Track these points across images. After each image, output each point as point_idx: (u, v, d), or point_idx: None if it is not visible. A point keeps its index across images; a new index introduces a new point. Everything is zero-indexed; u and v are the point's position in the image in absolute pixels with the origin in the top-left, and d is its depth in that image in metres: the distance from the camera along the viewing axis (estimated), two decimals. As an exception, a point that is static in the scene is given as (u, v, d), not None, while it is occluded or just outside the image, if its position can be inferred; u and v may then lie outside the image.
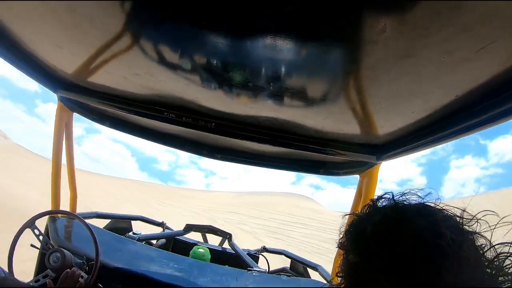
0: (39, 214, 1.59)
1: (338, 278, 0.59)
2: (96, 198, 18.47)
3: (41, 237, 1.57)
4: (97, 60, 1.18)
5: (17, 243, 1.52)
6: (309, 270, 2.49)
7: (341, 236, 0.59)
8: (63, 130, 1.91)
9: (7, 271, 1.46)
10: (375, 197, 0.58)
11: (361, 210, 0.59)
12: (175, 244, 2.56)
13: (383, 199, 0.56)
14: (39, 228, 1.58)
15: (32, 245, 1.55)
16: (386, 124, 1.22)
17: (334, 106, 1.12)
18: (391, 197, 0.56)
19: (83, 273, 1.50)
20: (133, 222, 2.70)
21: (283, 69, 0.96)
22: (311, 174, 2.07)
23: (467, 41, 0.66)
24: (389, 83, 0.89)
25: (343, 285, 0.56)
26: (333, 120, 1.25)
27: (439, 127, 1.06)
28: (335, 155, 1.54)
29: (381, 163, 1.64)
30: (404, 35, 0.68)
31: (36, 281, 1.43)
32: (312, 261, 2.48)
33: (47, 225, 1.89)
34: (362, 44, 0.74)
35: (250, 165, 2.11)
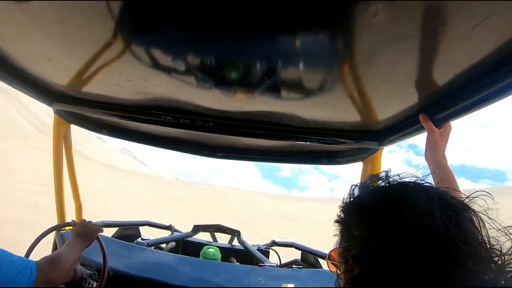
0: (45, 231, 1.59)
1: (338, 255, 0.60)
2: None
3: None
4: (89, 70, 1.17)
5: None
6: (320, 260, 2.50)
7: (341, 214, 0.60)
8: (62, 142, 1.91)
9: None
10: (373, 177, 0.60)
11: (360, 187, 0.60)
12: (184, 246, 2.57)
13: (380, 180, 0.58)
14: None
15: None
16: (386, 108, 1.21)
17: (331, 95, 1.11)
18: (387, 176, 0.58)
19: (93, 282, 1.50)
20: (141, 228, 2.70)
21: (277, 62, 0.94)
22: (314, 165, 2.06)
23: (461, 18, 0.65)
24: (386, 67, 0.88)
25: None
26: (331, 109, 1.24)
27: (439, 107, 1.05)
28: (336, 144, 1.53)
29: (383, 148, 1.63)
30: (397, 18, 0.66)
31: None
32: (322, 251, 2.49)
33: (55, 240, 1.89)
34: (355, 30, 0.72)
35: (252, 161, 2.11)
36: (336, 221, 0.60)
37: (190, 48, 0.93)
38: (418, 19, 0.66)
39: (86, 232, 1.40)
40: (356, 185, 0.60)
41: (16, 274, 0.88)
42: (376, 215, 0.52)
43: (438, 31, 0.70)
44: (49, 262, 1.05)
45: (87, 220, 1.50)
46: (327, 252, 2.36)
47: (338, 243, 0.60)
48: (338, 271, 0.62)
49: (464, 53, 0.78)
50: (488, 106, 0.90)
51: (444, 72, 0.88)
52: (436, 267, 0.44)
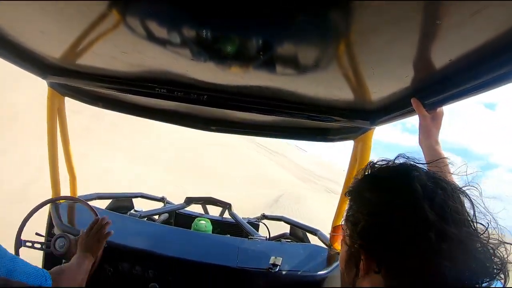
0: (40, 204, 1.60)
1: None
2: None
3: (36, 245, 1.56)
4: (83, 42, 1.15)
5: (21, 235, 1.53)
6: (308, 234, 2.58)
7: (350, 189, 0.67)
8: (56, 115, 1.89)
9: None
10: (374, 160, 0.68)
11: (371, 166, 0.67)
12: (177, 217, 2.63)
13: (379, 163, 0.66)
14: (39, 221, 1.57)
15: (37, 233, 1.57)
16: (379, 89, 1.22)
17: (326, 72, 1.11)
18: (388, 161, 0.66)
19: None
20: (134, 200, 2.74)
21: (272, 37, 0.94)
22: (307, 141, 2.10)
23: (461, 4, 0.64)
24: (381, 48, 0.88)
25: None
26: (325, 86, 1.25)
27: (432, 91, 1.06)
28: (329, 121, 1.55)
29: (374, 128, 1.65)
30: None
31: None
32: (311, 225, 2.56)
33: (49, 214, 1.91)
34: (353, 9, 0.72)
35: (246, 135, 2.13)
36: (347, 192, 0.68)
37: (185, 20, 0.91)
38: (417, 1, 0.65)
39: (92, 243, 1.32)
40: (368, 164, 0.68)
41: None
42: (385, 183, 0.60)
43: (436, 15, 0.69)
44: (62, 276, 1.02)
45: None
46: (316, 228, 2.42)
47: (347, 213, 0.67)
48: (340, 243, 0.71)
49: (461, 40, 0.78)
50: (480, 94, 0.91)
51: (440, 57, 0.88)
52: (436, 226, 0.50)
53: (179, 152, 11.61)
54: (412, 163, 0.62)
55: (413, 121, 1.18)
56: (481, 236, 0.52)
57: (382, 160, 0.66)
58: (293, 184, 17.97)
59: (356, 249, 0.61)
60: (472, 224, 0.53)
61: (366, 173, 0.66)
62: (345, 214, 0.67)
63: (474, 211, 0.55)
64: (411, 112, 1.23)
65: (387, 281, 0.55)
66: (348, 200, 0.67)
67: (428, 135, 1.06)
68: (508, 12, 0.64)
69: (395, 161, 0.64)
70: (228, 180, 11.25)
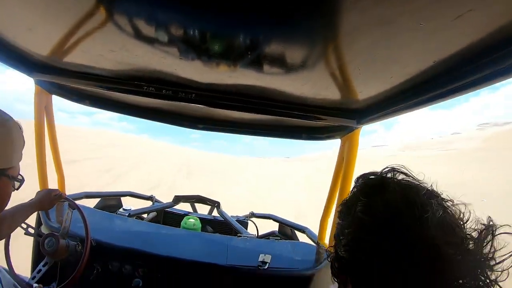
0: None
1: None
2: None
3: (30, 230, 1.56)
4: (71, 40, 1.15)
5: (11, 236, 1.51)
6: (297, 232, 2.61)
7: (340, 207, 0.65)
8: (43, 113, 1.87)
9: (7, 268, 1.49)
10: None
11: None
12: (165, 216, 2.61)
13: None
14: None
15: (26, 233, 1.56)
16: (365, 89, 1.24)
17: (313, 72, 1.13)
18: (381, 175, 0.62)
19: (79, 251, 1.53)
20: (122, 199, 2.72)
21: (260, 37, 0.95)
22: (294, 140, 2.12)
23: (445, 8, 0.66)
24: (367, 49, 0.90)
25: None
26: (312, 86, 1.27)
27: (417, 92, 1.09)
28: (316, 120, 1.57)
29: (361, 127, 1.68)
30: (381, 2, 0.67)
31: (38, 271, 1.46)
32: (299, 223, 2.59)
33: (38, 212, 1.89)
34: (339, 11, 0.74)
35: (233, 133, 2.13)
36: (341, 205, 0.65)
37: (173, 18, 0.92)
38: (403, 4, 0.67)
39: (45, 198, 1.48)
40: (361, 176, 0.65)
41: None
42: (379, 206, 0.56)
43: (421, 18, 0.72)
44: None
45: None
46: (304, 225, 2.44)
47: (337, 225, 0.65)
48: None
49: (444, 42, 0.81)
50: (462, 96, 0.94)
51: (424, 59, 0.91)
52: (417, 233, 0.49)
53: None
54: (405, 181, 0.59)
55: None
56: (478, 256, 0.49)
57: (372, 175, 0.63)
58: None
59: (340, 264, 0.61)
60: (468, 244, 0.50)
61: (357, 189, 0.63)
62: (336, 226, 0.66)
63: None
64: (396, 112, 1.27)
65: None
66: (339, 213, 0.65)
67: None
68: (489, 15, 0.67)
69: (387, 175, 0.61)
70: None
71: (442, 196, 0.55)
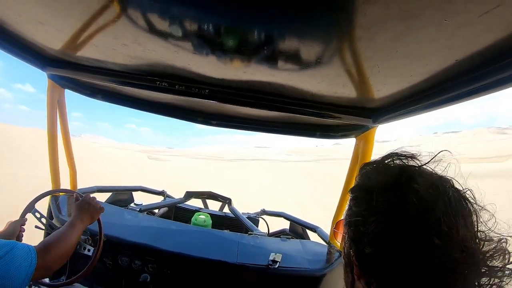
0: (39, 196, 1.60)
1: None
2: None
3: (43, 220, 1.59)
4: (83, 34, 1.14)
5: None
6: (308, 231, 2.58)
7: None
8: (56, 108, 1.89)
9: None
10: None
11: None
12: (176, 212, 2.63)
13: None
14: (40, 211, 1.59)
15: (36, 227, 1.58)
16: (383, 87, 1.20)
17: (329, 69, 1.09)
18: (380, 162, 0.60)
19: (89, 247, 1.54)
20: (134, 193, 2.74)
21: (276, 32, 0.91)
22: (308, 137, 2.08)
23: (471, 3, 0.62)
24: (387, 45, 0.85)
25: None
26: (328, 83, 1.23)
27: (437, 91, 1.05)
28: (331, 118, 1.53)
29: (377, 126, 1.64)
30: None
31: None
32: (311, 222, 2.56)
33: (49, 205, 1.92)
34: (360, 4, 0.70)
35: (246, 130, 2.12)
36: (352, 190, 0.62)
37: (187, 12, 0.89)
38: None
39: (91, 210, 1.35)
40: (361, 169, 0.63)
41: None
42: (376, 196, 0.54)
43: (447, 13, 0.67)
44: (48, 247, 0.99)
45: (79, 187, 1.49)
46: (315, 224, 2.42)
47: (346, 212, 0.62)
48: (342, 240, 0.65)
49: (468, 40, 0.76)
50: (486, 96, 0.90)
51: (446, 56, 0.87)
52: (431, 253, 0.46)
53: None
54: (409, 165, 0.56)
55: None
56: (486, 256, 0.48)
57: (374, 163, 0.61)
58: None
59: (349, 257, 0.58)
60: (473, 239, 0.48)
61: (360, 180, 0.61)
62: (344, 214, 0.63)
63: (477, 227, 0.49)
64: (414, 112, 1.22)
65: None
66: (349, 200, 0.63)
67: None
68: None
69: (388, 162, 0.58)
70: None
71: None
